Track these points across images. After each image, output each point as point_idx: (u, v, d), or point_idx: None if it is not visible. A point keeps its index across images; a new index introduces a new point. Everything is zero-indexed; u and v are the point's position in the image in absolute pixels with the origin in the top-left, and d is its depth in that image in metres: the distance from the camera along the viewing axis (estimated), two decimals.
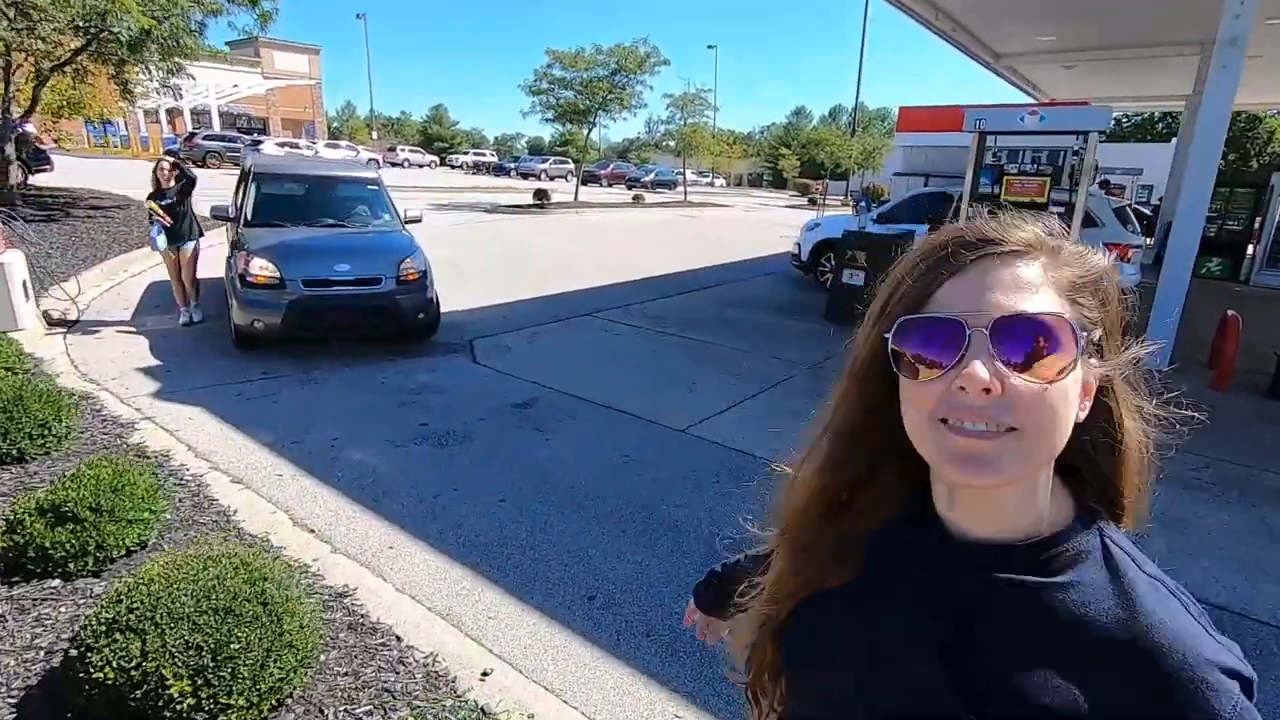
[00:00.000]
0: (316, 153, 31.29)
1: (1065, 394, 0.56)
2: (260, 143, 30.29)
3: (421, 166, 50.66)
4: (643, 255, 13.65)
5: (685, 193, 30.82)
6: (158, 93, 14.74)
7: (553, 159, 48.71)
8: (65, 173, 17.04)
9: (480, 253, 12.59)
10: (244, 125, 48.18)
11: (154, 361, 5.83)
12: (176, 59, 12.21)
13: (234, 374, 5.59)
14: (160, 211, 6.41)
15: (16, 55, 10.69)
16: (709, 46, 47.06)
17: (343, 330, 6.06)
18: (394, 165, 48.68)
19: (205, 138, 33.05)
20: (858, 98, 40.85)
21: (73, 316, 6.71)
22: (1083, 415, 0.59)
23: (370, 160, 38.78)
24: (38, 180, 15.93)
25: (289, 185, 6.99)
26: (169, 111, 39.17)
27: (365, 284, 5.99)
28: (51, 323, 6.52)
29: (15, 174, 11.42)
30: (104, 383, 5.26)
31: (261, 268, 5.68)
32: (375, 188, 7.29)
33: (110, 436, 4.12)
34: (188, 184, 6.62)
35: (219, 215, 6.38)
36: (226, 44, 55.90)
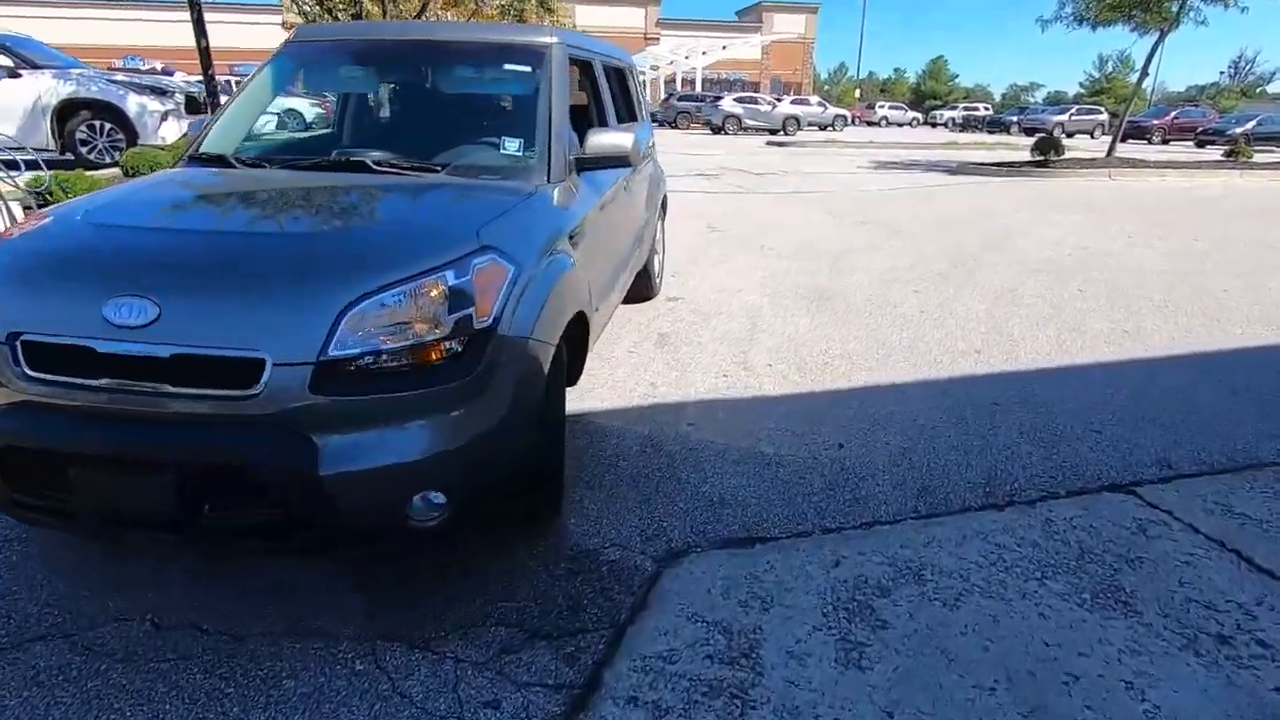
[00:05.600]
0: (774, 108, 28.37)
1: None
2: (720, 99, 28.75)
3: (900, 125, 44.41)
4: None
5: None
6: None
7: (1075, 109, 36.70)
8: None
9: (890, 248, 7.02)
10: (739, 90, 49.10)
11: None
12: None
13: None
14: None
15: None
16: None
17: (118, 525, 1.75)
18: (869, 124, 43.69)
19: (680, 99, 33.30)
20: None
21: None
22: None
23: (838, 116, 34.55)
24: None
25: (347, 70, 2.98)
26: (668, 80, 41.38)
27: (197, 374, 1.59)
28: None
29: None
30: None
31: None
32: (530, 70, 2.71)
33: None
34: None
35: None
36: (735, 12, 58.20)
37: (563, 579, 2.05)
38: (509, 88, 2.84)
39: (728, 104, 27.55)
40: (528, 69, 2.69)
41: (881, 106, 47.40)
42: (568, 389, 2.76)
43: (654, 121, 33.90)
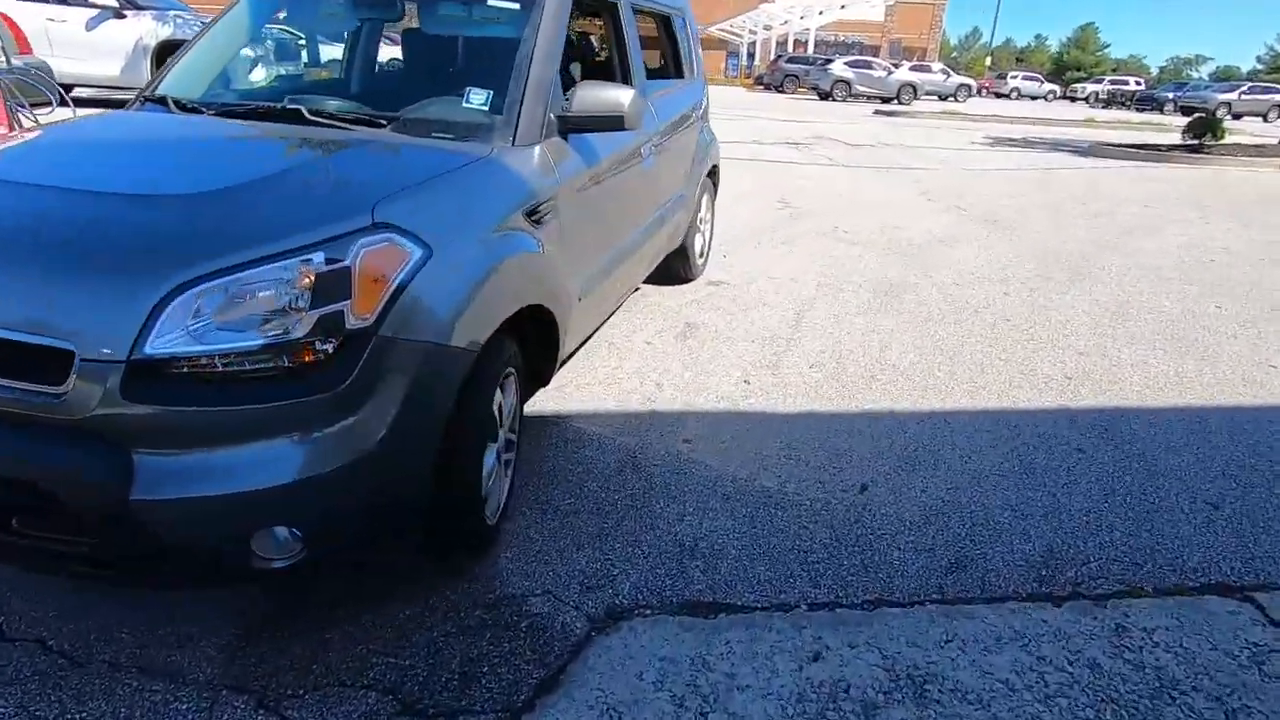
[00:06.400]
0: (889, 74, 26.38)
1: None
2: (830, 62, 27.01)
3: (1034, 98, 40.60)
4: None
5: None
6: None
7: (1246, 87, 32.20)
8: None
9: (985, 239, 6.15)
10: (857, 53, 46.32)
11: None
12: None
13: None
14: None
15: None
16: None
17: None
18: (998, 95, 40.15)
19: (788, 60, 31.63)
20: None
21: None
22: None
23: (961, 86, 31.80)
24: None
25: (326, 4, 2.63)
26: (780, 41, 39.34)
27: (5, 364, 1.30)
28: None
29: None
30: None
31: None
32: (519, 7, 2.27)
33: None
34: None
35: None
36: None
37: (469, 633, 1.69)
38: (495, 29, 2.41)
39: (838, 68, 25.82)
40: (516, 6, 2.25)
41: (1013, 77, 43.59)
42: (542, 389, 2.38)
43: (760, 84, 32.29)
